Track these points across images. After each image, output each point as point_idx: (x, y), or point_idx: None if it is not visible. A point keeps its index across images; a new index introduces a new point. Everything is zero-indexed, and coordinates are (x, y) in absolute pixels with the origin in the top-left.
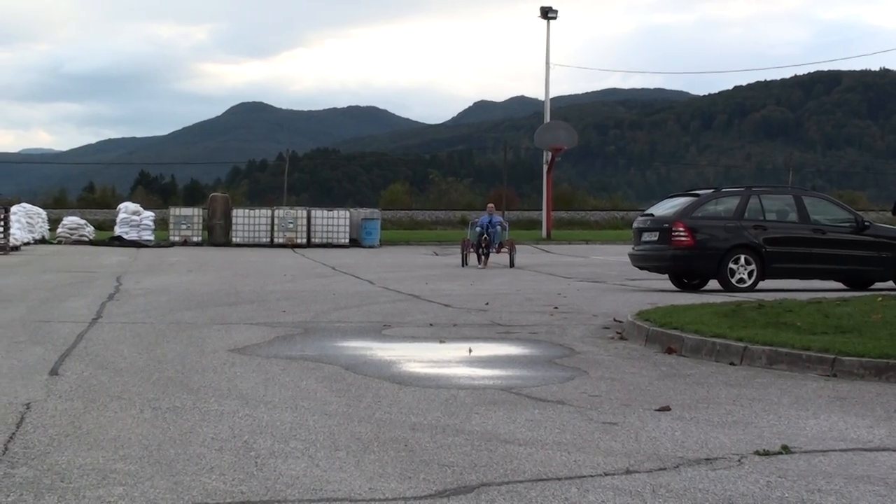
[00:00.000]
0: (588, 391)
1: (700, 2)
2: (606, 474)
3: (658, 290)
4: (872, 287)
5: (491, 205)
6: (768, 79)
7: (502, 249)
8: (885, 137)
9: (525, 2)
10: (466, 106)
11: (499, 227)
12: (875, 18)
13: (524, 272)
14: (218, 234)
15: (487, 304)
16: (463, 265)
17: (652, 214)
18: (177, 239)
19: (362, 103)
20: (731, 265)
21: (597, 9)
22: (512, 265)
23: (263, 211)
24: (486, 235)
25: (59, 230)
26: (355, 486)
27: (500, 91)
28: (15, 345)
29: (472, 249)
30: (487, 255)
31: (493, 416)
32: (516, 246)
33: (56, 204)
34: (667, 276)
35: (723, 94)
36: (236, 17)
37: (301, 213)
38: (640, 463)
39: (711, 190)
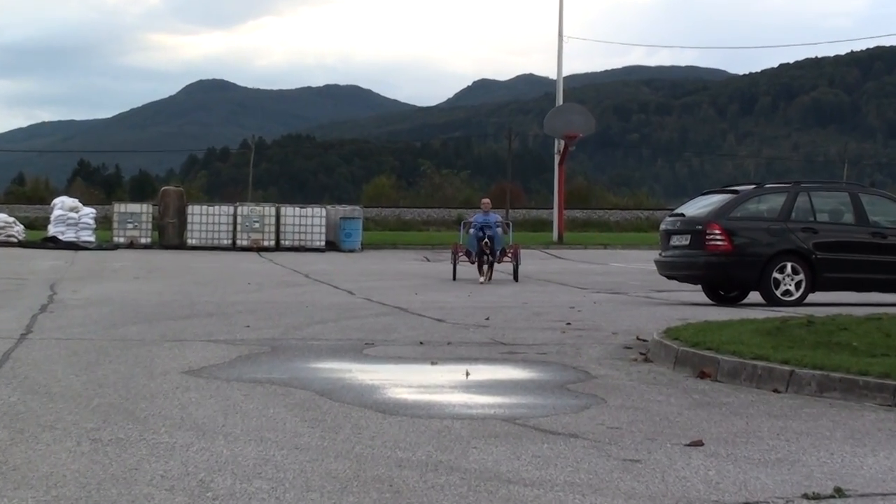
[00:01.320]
0: (606, 422)
1: None
2: None
3: (689, 304)
4: None
5: (486, 200)
6: (820, 55)
7: (505, 257)
8: None
9: None
10: (465, 86)
11: (499, 230)
12: None
13: (532, 282)
14: (170, 235)
15: (488, 318)
16: (454, 278)
17: (682, 214)
18: (122, 240)
19: (342, 82)
20: (776, 274)
21: None
22: (516, 278)
23: (224, 208)
24: (486, 240)
25: None
26: None
27: (504, 68)
28: None
29: (465, 257)
30: (492, 266)
31: (494, 452)
32: (521, 251)
33: None
34: (699, 286)
35: (766, 74)
36: None
37: (269, 210)
38: None
39: (753, 186)
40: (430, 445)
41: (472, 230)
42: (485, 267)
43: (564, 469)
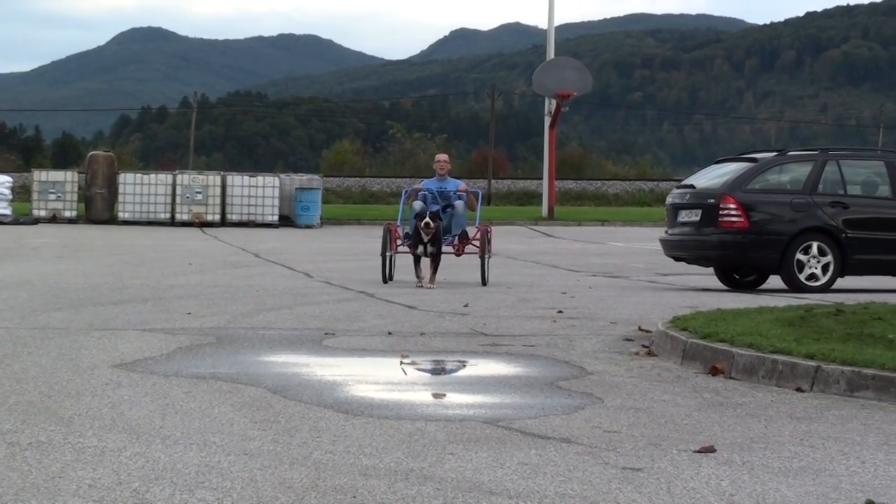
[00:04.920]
0: (603, 425)
1: None
2: None
3: (700, 289)
4: None
5: (442, 157)
6: (852, 3)
7: (468, 246)
8: None
9: None
10: (440, 36)
11: (460, 203)
12: None
13: (517, 263)
14: (99, 208)
15: (467, 305)
16: (386, 279)
17: (692, 186)
18: (43, 213)
19: (298, 31)
20: (800, 256)
21: None
22: (484, 279)
23: (161, 176)
24: (428, 221)
25: None
26: None
27: (485, 16)
28: None
29: (403, 245)
30: (436, 261)
31: (474, 459)
32: (497, 232)
33: None
34: (711, 269)
35: (790, 24)
36: None
37: (213, 179)
38: None
39: (774, 153)
40: (399, 451)
41: (416, 203)
42: (424, 262)
43: (555, 478)
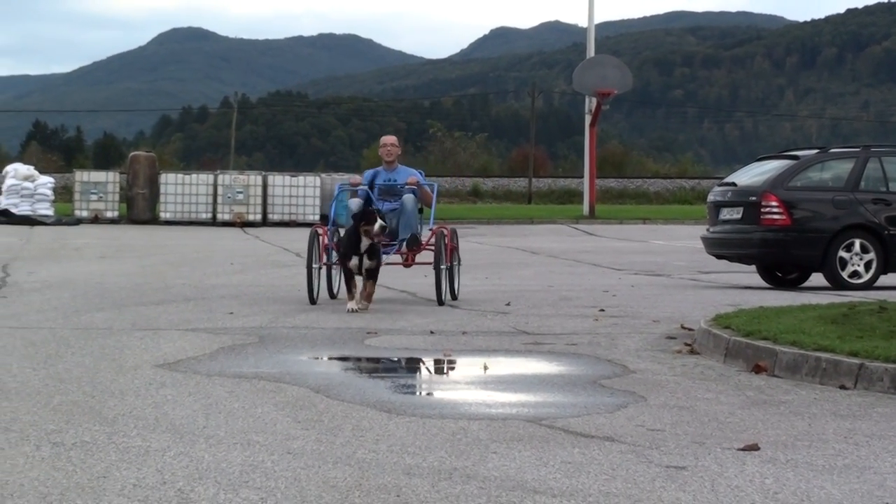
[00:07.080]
0: (646, 424)
1: None
2: None
3: (742, 287)
4: None
5: (389, 140)
6: None
7: (421, 251)
8: None
9: None
10: (480, 35)
11: (410, 197)
12: None
13: (558, 262)
14: (140, 208)
15: (509, 304)
16: (314, 298)
17: (734, 184)
18: (84, 214)
19: (338, 30)
20: (842, 253)
21: None
22: (454, 293)
23: (203, 176)
24: (384, 224)
25: None
26: None
27: (525, 15)
28: None
29: (332, 258)
30: (375, 276)
31: (518, 457)
32: (538, 233)
33: None
34: (753, 267)
35: (831, 20)
36: None
37: (254, 179)
38: None
39: (815, 151)
40: (442, 450)
41: (353, 201)
42: (356, 281)
43: (598, 477)
